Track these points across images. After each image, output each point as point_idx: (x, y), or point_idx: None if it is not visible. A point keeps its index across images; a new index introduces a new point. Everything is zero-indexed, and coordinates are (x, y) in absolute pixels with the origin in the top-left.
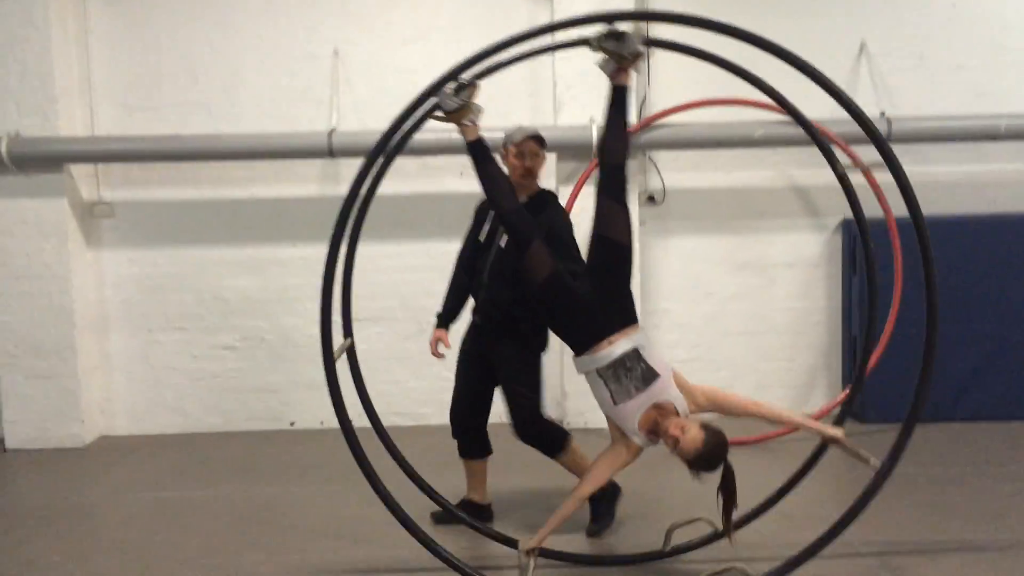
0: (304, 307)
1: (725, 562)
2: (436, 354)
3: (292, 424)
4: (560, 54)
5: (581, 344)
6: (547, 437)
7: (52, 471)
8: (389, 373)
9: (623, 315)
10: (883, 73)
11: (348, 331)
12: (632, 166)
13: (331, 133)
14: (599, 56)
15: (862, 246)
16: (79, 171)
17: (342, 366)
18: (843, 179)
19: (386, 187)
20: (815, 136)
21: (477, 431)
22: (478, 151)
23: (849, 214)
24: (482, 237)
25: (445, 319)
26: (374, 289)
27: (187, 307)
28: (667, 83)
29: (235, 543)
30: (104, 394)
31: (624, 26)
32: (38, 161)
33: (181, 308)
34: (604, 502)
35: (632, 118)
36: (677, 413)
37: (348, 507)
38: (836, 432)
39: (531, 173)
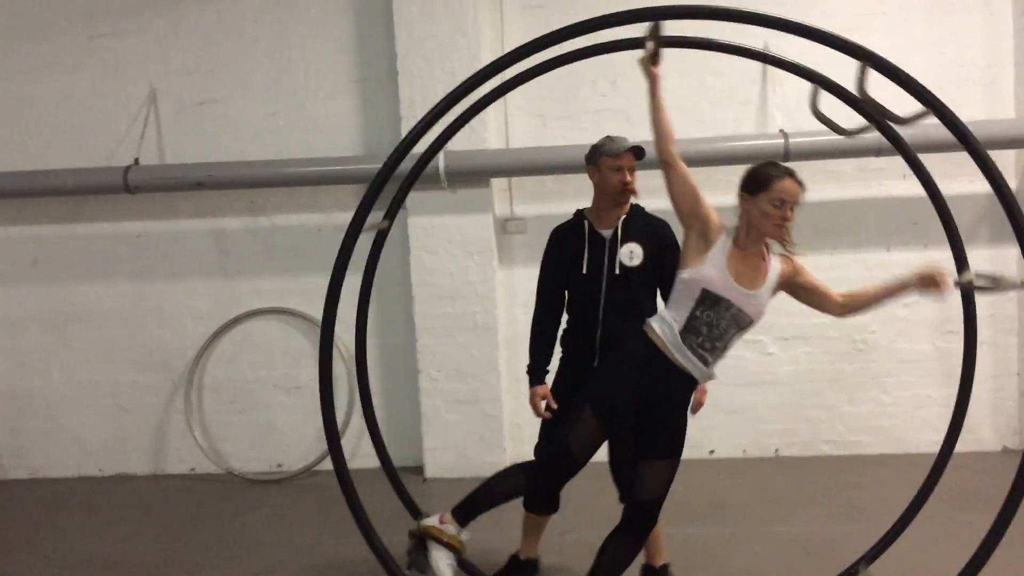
0: None
1: None
2: (544, 414)
3: (711, 452)
4: None
5: (694, 367)
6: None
7: None
8: (819, 397)
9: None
10: None
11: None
12: None
13: (779, 136)
14: None
15: None
16: (494, 185)
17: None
18: None
19: (819, 193)
20: None
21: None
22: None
23: None
24: (584, 269)
25: (542, 374)
26: (801, 306)
27: None
28: None
29: None
30: (515, 419)
31: None
32: (467, 175)
33: None
34: None
35: None
36: (736, 236)
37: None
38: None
39: (631, 190)
